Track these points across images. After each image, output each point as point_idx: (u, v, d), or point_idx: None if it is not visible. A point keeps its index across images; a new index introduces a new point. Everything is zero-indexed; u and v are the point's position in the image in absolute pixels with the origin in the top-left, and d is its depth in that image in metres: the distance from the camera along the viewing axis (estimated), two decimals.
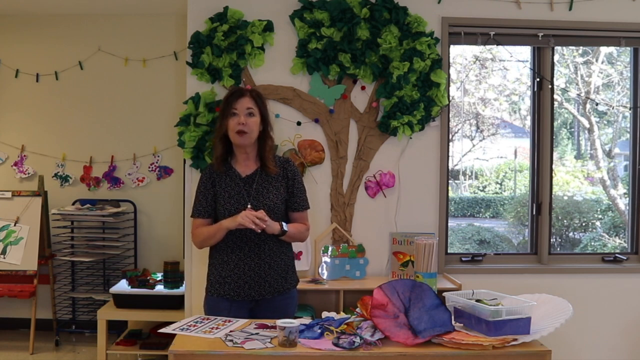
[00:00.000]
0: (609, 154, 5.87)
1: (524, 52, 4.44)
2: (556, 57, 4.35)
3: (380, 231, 3.81)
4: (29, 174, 4.92)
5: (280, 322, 2.14)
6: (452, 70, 4.17)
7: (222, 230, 2.56)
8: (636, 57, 4.13)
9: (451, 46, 3.92)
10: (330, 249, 3.69)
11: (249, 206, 2.59)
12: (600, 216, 5.81)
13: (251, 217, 2.46)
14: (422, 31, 3.71)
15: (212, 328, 2.33)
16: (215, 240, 2.61)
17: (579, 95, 5.74)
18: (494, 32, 3.89)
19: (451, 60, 4.04)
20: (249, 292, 2.60)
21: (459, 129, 6.41)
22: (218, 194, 2.63)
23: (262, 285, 2.61)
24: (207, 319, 2.47)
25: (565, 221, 5.75)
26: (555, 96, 4.17)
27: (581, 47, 5.51)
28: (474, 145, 6.63)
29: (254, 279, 2.60)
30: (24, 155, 4.93)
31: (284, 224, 2.61)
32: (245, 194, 2.61)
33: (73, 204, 4.79)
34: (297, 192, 2.71)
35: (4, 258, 4.48)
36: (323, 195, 3.81)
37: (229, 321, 2.43)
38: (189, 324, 2.39)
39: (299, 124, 3.78)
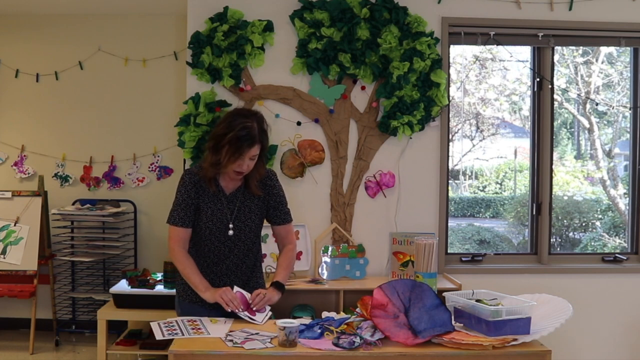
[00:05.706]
0: (609, 154, 5.86)
1: (524, 52, 4.43)
2: (556, 57, 4.35)
3: (380, 231, 3.81)
4: (29, 174, 4.91)
5: (280, 322, 2.14)
6: (452, 70, 4.17)
7: (195, 289, 2.53)
8: (636, 57, 4.13)
9: (451, 46, 3.92)
10: (330, 249, 3.68)
11: (230, 229, 2.56)
12: (600, 216, 5.81)
13: (226, 300, 2.42)
14: (422, 31, 3.71)
15: (197, 329, 2.32)
16: (186, 280, 2.58)
17: (579, 95, 5.73)
18: (494, 32, 3.89)
19: (451, 60, 4.04)
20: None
21: (459, 129, 6.40)
22: (201, 207, 2.58)
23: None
24: (190, 321, 2.44)
25: (565, 221, 5.74)
26: (555, 96, 4.17)
27: (581, 47, 5.50)
28: (474, 145, 6.62)
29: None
30: (24, 155, 4.92)
31: (278, 284, 2.55)
32: (228, 213, 2.58)
33: (73, 204, 4.79)
34: (277, 205, 2.65)
35: (4, 258, 4.47)
36: (323, 195, 3.81)
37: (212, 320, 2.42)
38: (168, 329, 2.33)
39: (299, 124, 3.78)
